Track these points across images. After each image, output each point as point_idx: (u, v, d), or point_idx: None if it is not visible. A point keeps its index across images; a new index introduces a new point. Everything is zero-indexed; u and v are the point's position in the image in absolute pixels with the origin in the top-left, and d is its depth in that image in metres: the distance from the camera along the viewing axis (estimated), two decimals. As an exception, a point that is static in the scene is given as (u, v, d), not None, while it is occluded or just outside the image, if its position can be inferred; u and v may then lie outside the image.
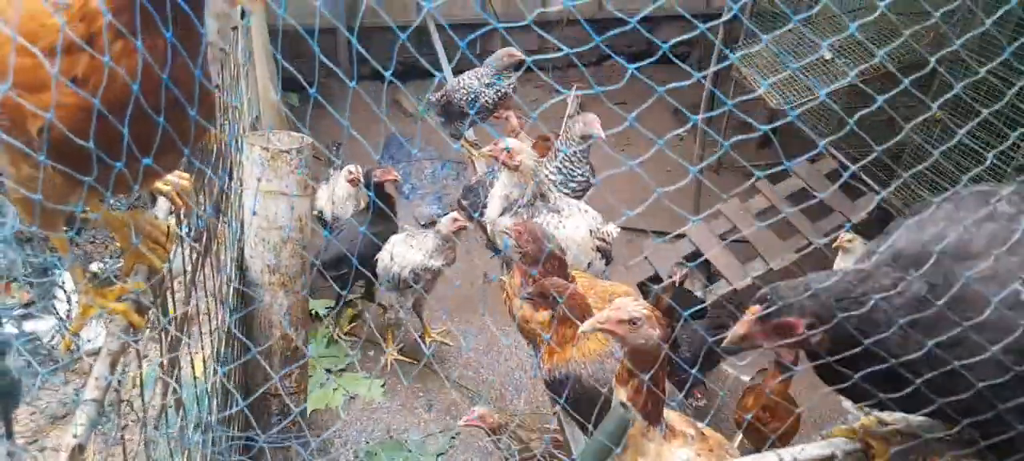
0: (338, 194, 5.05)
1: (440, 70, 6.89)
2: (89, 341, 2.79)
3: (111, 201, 1.39)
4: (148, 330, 1.73)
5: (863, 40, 4.87)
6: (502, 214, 3.74)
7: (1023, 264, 1.38)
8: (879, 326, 1.40)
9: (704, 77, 5.96)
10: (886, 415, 1.70)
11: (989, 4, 4.28)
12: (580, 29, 7.37)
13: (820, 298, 1.43)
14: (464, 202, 4.51)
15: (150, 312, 1.74)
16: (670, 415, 1.88)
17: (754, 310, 1.50)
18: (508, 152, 3.63)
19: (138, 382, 1.58)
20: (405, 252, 4.35)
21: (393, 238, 4.50)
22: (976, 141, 4.49)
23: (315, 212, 4.89)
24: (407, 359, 4.65)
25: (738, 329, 1.51)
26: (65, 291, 3.39)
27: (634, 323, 1.81)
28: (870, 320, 1.41)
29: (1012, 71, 3.98)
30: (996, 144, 4.29)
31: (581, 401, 2.62)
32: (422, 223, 5.24)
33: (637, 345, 1.81)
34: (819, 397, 4.29)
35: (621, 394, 1.77)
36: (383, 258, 4.43)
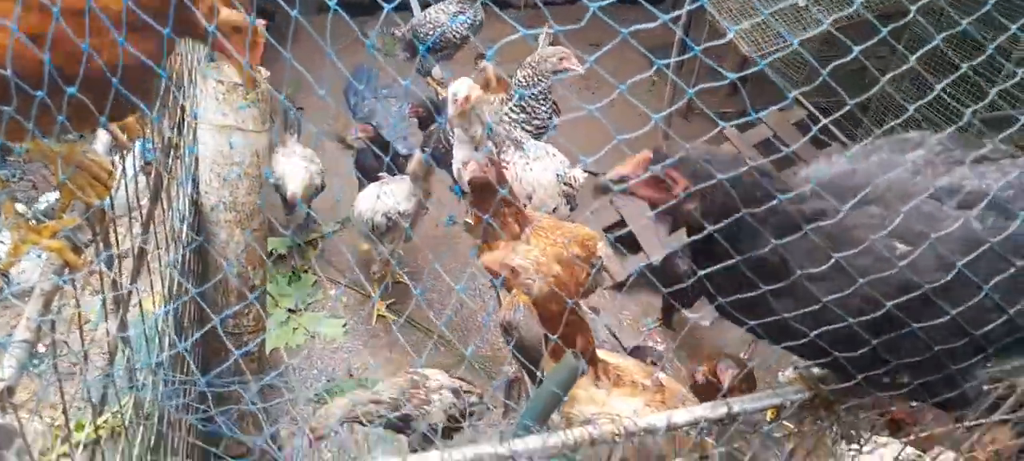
0: (292, 171, 4.60)
1: (408, 7, 6.67)
2: (19, 283, 2.68)
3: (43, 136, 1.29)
4: (93, 267, 1.65)
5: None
6: (476, 149, 3.67)
7: (912, 217, 1.37)
8: (756, 224, 1.36)
9: (674, 20, 5.86)
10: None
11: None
12: (553, -33, 7.17)
13: (709, 169, 1.37)
14: (426, 149, 4.46)
15: (92, 248, 1.66)
16: (622, 362, 1.89)
17: (645, 155, 1.45)
18: (463, 100, 3.53)
19: (76, 323, 1.52)
20: (378, 199, 4.29)
21: (367, 187, 4.45)
22: (944, 93, 4.51)
23: (273, 180, 4.62)
24: (391, 316, 4.59)
25: (620, 168, 1.45)
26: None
27: (515, 273, 1.83)
28: (749, 212, 1.36)
29: (988, 25, 3.97)
30: (966, 98, 4.32)
31: (525, 348, 2.65)
32: (399, 154, 5.11)
33: (532, 295, 1.85)
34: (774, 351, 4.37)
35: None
36: (357, 206, 4.37)
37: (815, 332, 1.41)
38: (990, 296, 1.35)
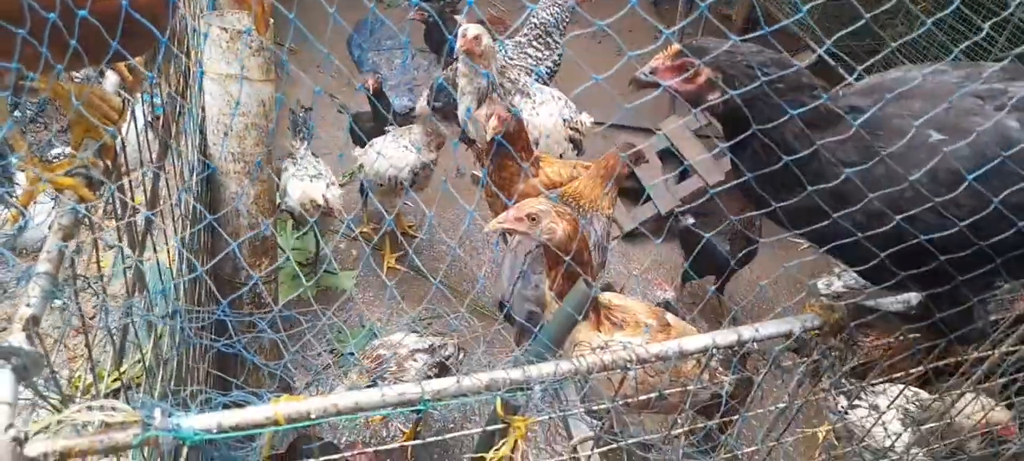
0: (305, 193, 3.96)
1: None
2: (38, 224, 2.70)
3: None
4: (104, 199, 1.67)
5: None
6: (478, 106, 3.66)
7: (956, 114, 1.38)
8: (778, 114, 1.39)
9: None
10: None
11: None
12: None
13: (736, 57, 1.41)
14: (437, 103, 4.40)
15: (106, 194, 1.68)
16: (628, 302, 1.92)
17: (674, 48, 1.50)
18: (472, 38, 3.50)
19: (94, 258, 1.54)
20: (397, 152, 4.08)
21: (377, 140, 4.25)
22: (956, 34, 4.45)
23: (282, 208, 4.11)
24: (400, 267, 4.59)
25: (652, 62, 1.52)
26: (14, 171, 3.26)
27: (534, 219, 1.86)
28: (773, 104, 1.39)
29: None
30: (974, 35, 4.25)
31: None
32: (397, 113, 5.07)
33: (542, 240, 1.87)
34: (786, 272, 4.40)
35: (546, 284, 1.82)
36: (370, 162, 4.15)
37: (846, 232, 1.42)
38: (1005, 203, 1.34)
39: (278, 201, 4.03)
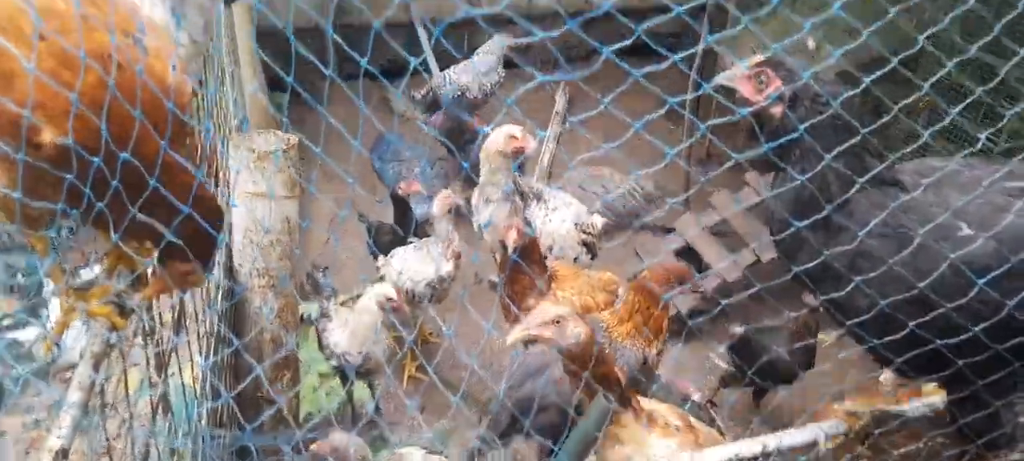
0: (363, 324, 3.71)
1: (429, 68, 6.88)
2: (71, 347, 2.76)
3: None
4: (137, 336, 1.72)
5: (852, 21, 4.87)
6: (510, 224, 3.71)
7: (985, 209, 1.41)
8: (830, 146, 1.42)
9: (689, 63, 5.96)
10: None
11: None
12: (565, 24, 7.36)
13: (808, 83, 1.50)
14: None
15: (135, 316, 1.73)
16: (655, 405, 1.89)
17: (756, 59, 1.58)
18: (521, 137, 3.57)
19: (123, 384, 1.58)
20: (416, 265, 4.00)
21: (398, 250, 4.20)
22: (958, 136, 4.52)
23: (332, 362, 3.91)
24: (423, 376, 4.47)
25: (731, 70, 1.61)
26: (46, 295, 3.36)
27: (558, 323, 1.82)
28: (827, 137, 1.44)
29: (1000, 54, 3.99)
30: (984, 127, 4.32)
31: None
32: (418, 222, 5.15)
33: (569, 345, 1.82)
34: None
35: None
36: (391, 274, 4.08)
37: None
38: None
39: (327, 357, 3.98)
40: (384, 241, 4.67)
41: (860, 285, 1.41)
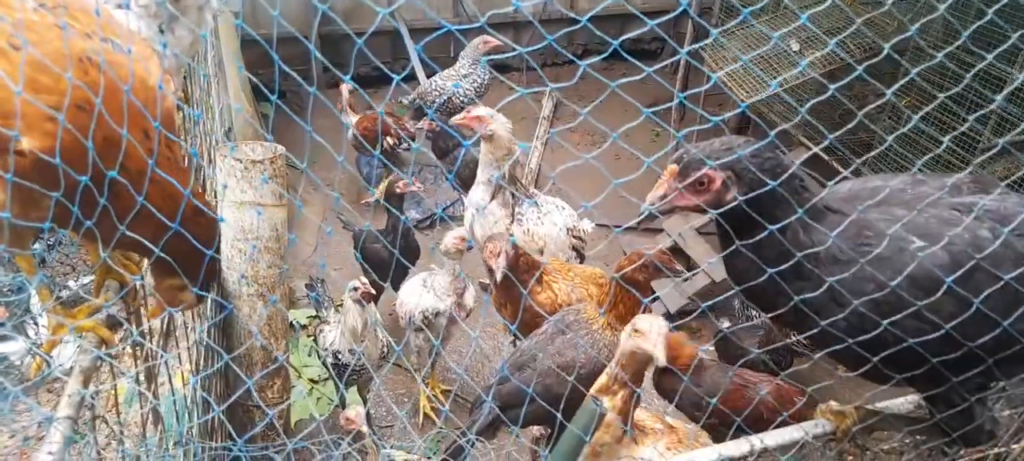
0: (348, 325, 3.78)
1: (416, 76, 6.89)
2: (60, 364, 2.75)
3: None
4: (125, 346, 1.72)
5: (819, 33, 4.94)
6: (491, 199, 3.71)
7: (928, 223, 1.45)
8: (789, 211, 1.45)
9: (673, 71, 6.02)
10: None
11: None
12: (553, 29, 7.40)
13: (742, 161, 1.47)
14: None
15: (125, 327, 1.73)
16: (639, 414, 1.91)
17: (672, 169, 1.53)
18: (480, 118, 3.58)
19: (113, 398, 1.58)
20: (414, 295, 3.97)
21: (411, 279, 4.17)
22: (942, 125, 4.58)
23: (328, 358, 3.95)
24: (432, 412, 4.41)
25: (657, 190, 1.55)
26: (34, 312, 3.34)
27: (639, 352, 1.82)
28: (783, 201, 1.46)
29: (973, 56, 4.06)
30: (967, 128, 4.37)
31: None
32: (408, 223, 5.11)
33: (640, 362, 1.85)
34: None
35: (606, 403, 1.80)
36: (399, 299, 4.14)
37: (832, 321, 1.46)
38: (982, 306, 1.39)
39: (322, 357, 4.00)
40: (372, 248, 4.67)
41: (836, 304, 1.44)
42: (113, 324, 1.58)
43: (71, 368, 1.52)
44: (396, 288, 4.56)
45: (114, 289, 1.65)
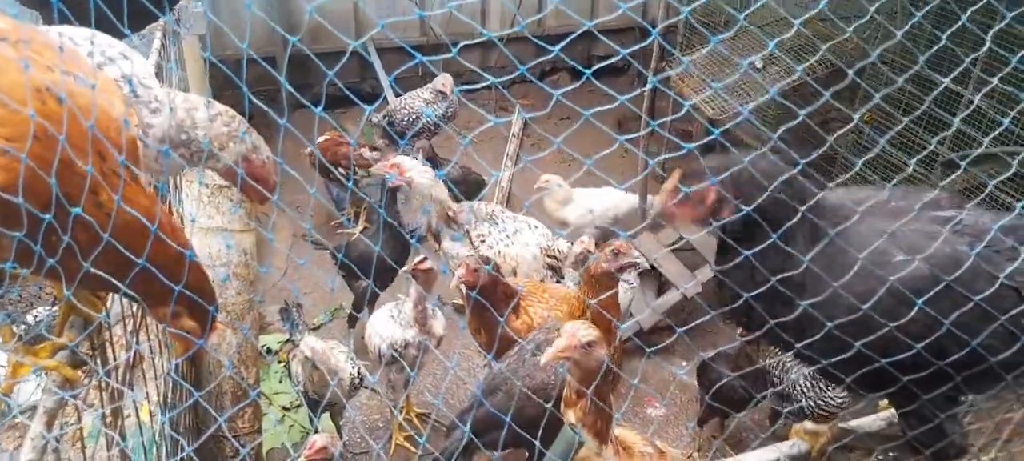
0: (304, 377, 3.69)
1: (381, 94, 6.86)
2: (19, 404, 2.64)
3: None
4: (89, 384, 1.67)
5: (780, 54, 5.06)
6: (447, 237, 3.74)
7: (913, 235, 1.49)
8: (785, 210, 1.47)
9: (639, 87, 6.07)
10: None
11: (906, 16, 4.49)
12: (522, 47, 7.44)
13: (744, 173, 1.51)
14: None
15: (90, 362, 1.68)
16: (625, 433, 1.91)
17: (672, 185, 1.57)
18: (397, 166, 3.66)
19: (79, 438, 1.53)
20: (384, 327, 3.84)
21: (374, 315, 4.04)
22: (902, 141, 4.70)
23: (298, 389, 3.86)
24: (407, 442, 4.30)
25: (659, 202, 1.59)
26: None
27: (589, 346, 1.85)
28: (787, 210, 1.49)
29: (927, 80, 4.18)
30: (924, 142, 4.49)
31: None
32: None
33: (589, 367, 1.85)
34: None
35: (570, 416, 1.80)
36: (367, 330, 4.01)
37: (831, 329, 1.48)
38: (953, 323, 1.42)
39: (295, 384, 3.89)
40: (363, 252, 4.52)
41: (813, 317, 1.46)
42: (77, 363, 1.54)
43: (34, 408, 1.46)
44: (382, 288, 4.49)
45: (78, 327, 1.60)
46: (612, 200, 5.27)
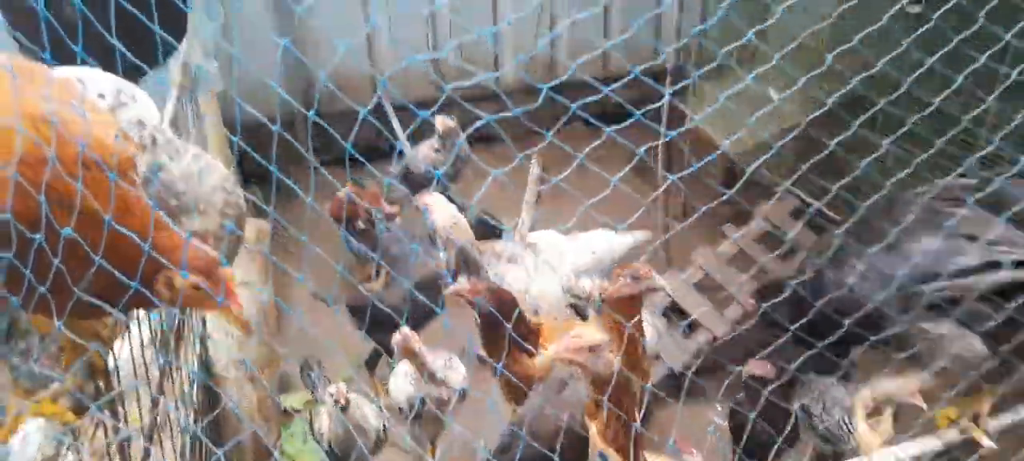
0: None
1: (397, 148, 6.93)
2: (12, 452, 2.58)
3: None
4: (112, 443, 1.62)
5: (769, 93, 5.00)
6: (461, 274, 3.68)
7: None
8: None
9: (655, 143, 6.08)
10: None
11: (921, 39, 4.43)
12: (535, 96, 7.49)
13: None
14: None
15: (105, 421, 1.63)
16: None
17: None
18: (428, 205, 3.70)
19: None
20: (400, 384, 3.75)
21: (399, 366, 3.89)
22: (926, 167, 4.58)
23: (323, 444, 3.79)
24: None
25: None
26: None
27: (594, 350, 1.86)
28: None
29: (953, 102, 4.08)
30: (947, 168, 4.37)
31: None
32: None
33: (598, 372, 1.85)
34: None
35: (593, 429, 1.78)
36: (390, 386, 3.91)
37: None
38: None
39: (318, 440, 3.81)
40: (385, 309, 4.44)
41: None
42: (79, 407, 1.49)
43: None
44: (418, 328, 4.36)
45: (83, 370, 1.55)
46: (607, 243, 4.99)
